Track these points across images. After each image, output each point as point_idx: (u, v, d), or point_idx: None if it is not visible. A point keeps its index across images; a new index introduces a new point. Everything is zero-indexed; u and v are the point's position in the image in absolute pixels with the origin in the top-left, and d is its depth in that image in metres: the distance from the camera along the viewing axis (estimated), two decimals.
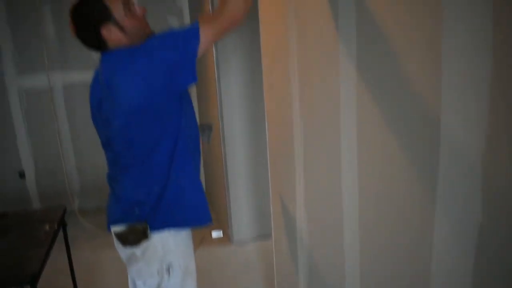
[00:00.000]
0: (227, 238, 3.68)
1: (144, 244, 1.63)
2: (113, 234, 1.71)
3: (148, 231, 1.61)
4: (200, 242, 3.64)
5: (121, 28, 1.48)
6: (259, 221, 3.63)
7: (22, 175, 4.28)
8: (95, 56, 4.12)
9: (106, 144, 1.68)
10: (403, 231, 1.12)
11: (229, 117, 3.41)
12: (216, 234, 3.76)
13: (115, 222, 1.68)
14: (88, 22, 1.48)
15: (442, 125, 0.91)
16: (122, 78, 1.48)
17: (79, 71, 4.15)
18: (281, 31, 1.80)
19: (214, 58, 3.32)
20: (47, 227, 2.27)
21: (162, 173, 1.59)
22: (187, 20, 4.34)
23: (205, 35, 1.43)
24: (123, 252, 1.71)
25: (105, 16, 1.46)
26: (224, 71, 3.32)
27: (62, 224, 2.46)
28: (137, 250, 1.65)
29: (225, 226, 3.76)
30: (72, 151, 4.33)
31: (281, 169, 2.08)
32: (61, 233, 2.43)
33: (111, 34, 1.48)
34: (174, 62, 1.45)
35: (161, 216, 1.61)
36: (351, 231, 1.42)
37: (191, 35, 1.44)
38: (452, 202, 0.91)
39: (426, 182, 0.99)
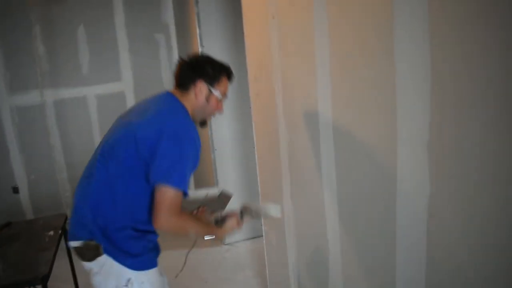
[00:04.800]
0: (220, 240, 3.84)
1: (100, 260, 1.66)
2: (71, 248, 1.74)
3: (101, 248, 1.64)
4: (192, 244, 3.79)
5: (207, 98, 1.69)
6: (250, 224, 3.80)
7: (15, 190, 4.38)
8: (84, 71, 4.24)
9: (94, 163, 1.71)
10: (376, 218, 1.31)
11: (218, 125, 3.60)
12: (208, 236, 3.92)
13: (72, 237, 1.72)
14: (204, 68, 1.68)
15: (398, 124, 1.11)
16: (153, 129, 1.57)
17: (68, 88, 4.32)
18: (264, 44, 2.00)
19: None
20: (51, 233, 2.42)
21: (115, 213, 1.64)
22: (173, 36, 4.54)
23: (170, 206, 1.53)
24: (84, 265, 1.74)
25: (213, 81, 1.68)
26: None
27: (64, 231, 2.60)
28: (94, 266, 1.69)
29: None
30: (64, 165, 4.45)
31: (268, 171, 2.26)
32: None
33: (198, 90, 1.68)
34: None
35: (106, 244, 1.65)
36: (331, 219, 1.61)
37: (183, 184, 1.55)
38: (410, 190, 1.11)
39: (388, 179, 1.19)
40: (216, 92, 1.69)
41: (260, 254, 3.39)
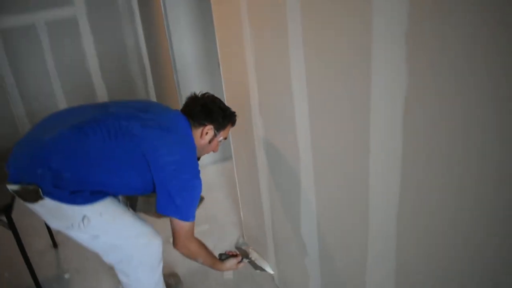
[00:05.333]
0: None
1: (43, 203, 1.59)
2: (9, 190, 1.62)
3: (40, 193, 1.56)
4: None
5: (210, 140, 1.80)
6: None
7: None
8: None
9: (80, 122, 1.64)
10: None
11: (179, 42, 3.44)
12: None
13: (12, 179, 1.61)
14: (217, 117, 1.79)
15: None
16: (167, 146, 1.65)
17: (14, 14, 4.00)
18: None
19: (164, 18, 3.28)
20: None
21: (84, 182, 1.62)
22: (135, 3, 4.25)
23: (186, 230, 1.72)
24: (28, 206, 1.67)
25: (220, 128, 1.81)
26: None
27: None
28: (38, 208, 1.62)
29: None
30: (19, 98, 4.24)
31: (235, 87, 2.19)
32: None
33: (204, 132, 1.78)
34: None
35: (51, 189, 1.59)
36: (304, 137, 1.57)
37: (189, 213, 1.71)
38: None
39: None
40: (220, 138, 1.84)
41: (230, 175, 3.39)
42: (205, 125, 1.77)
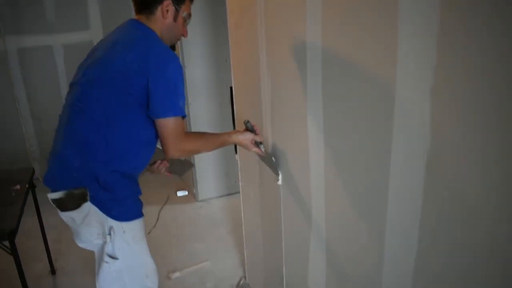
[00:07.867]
0: (193, 197, 3.79)
1: (85, 208, 1.63)
2: (50, 200, 1.67)
3: (88, 195, 1.60)
4: (165, 201, 3.75)
5: (174, 18, 1.71)
6: (223, 181, 3.76)
7: None
8: (49, 17, 3.98)
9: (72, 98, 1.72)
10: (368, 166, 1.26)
11: (192, 80, 3.47)
12: (181, 193, 3.88)
13: (53, 189, 1.66)
14: None
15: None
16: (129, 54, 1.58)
17: (33, 35, 4.07)
18: None
19: None
20: (18, 186, 2.30)
21: (105, 157, 1.62)
22: None
23: (176, 123, 1.60)
24: (65, 217, 1.71)
25: (179, 2, 1.70)
26: None
27: (32, 185, 2.48)
28: (76, 215, 1.65)
29: (190, 187, 3.86)
30: (30, 118, 4.25)
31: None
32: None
33: (165, 10, 1.67)
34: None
35: (93, 192, 1.62)
36: (317, 174, 1.56)
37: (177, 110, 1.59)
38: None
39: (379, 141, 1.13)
40: (184, 13, 1.73)
41: (234, 212, 3.36)
42: (161, 3, 1.67)
